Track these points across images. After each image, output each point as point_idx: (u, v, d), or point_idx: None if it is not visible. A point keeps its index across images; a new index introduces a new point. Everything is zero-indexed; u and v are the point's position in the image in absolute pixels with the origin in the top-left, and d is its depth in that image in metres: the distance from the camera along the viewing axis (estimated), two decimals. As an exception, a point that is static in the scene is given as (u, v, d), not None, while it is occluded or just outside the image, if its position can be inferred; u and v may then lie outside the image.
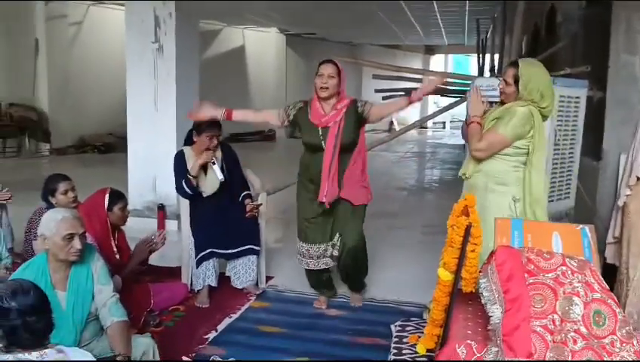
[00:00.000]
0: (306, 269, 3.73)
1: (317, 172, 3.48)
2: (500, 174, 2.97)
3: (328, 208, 3.49)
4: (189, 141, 3.95)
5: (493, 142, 2.93)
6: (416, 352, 3.01)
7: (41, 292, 1.85)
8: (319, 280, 3.78)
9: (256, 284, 3.98)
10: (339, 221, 3.57)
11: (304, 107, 3.56)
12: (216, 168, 3.78)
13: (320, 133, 3.46)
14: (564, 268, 2.07)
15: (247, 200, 3.93)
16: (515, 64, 3.01)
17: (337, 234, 3.59)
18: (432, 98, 20.25)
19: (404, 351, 3.08)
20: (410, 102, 3.43)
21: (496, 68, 10.05)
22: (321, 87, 3.44)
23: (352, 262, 3.63)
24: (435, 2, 9.98)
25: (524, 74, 2.92)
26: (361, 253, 3.66)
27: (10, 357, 1.68)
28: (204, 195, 3.87)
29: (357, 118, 3.49)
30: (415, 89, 3.64)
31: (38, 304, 1.79)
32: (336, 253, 3.60)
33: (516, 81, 2.94)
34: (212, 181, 3.85)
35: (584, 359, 1.90)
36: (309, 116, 3.51)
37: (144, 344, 2.61)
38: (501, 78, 3.05)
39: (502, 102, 3.05)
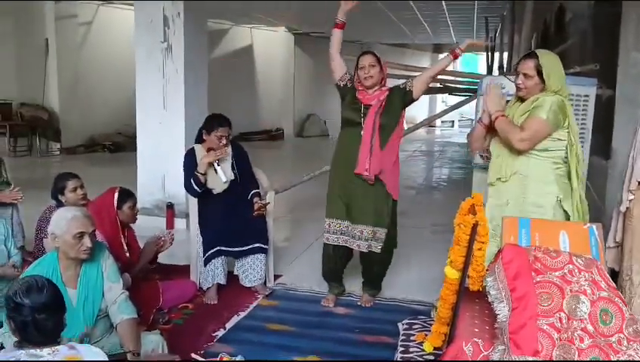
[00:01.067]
0: (324, 253, 3.73)
1: (354, 149, 3.50)
2: (540, 174, 2.80)
3: (365, 186, 3.49)
4: (199, 139, 3.97)
5: (537, 130, 2.74)
6: (423, 350, 3.02)
7: (54, 292, 1.85)
8: (333, 268, 3.75)
9: (265, 283, 3.99)
10: (380, 208, 3.55)
11: (354, 86, 3.61)
12: (220, 170, 3.80)
13: (362, 110, 3.52)
14: (571, 266, 2.07)
15: (256, 199, 3.95)
16: (532, 55, 2.87)
17: (377, 226, 3.56)
18: (440, 96, 20.22)
19: (411, 349, 3.09)
20: (455, 57, 3.64)
21: (505, 66, 10.01)
22: (365, 78, 3.51)
23: (376, 256, 3.63)
24: (443, 2, 9.96)
25: (546, 64, 2.80)
26: (386, 257, 3.68)
27: (22, 352, 1.71)
28: (214, 193, 3.89)
29: (401, 98, 3.55)
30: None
31: (50, 302, 1.80)
32: (365, 243, 3.58)
33: (538, 73, 2.81)
34: (222, 179, 3.87)
35: (591, 357, 1.91)
36: (357, 93, 3.58)
37: (154, 341, 2.65)
38: (520, 72, 2.86)
39: (520, 99, 2.92)
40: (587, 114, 4.17)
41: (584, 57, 5.51)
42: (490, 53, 10.78)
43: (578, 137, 2.92)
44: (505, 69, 9.68)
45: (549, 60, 2.85)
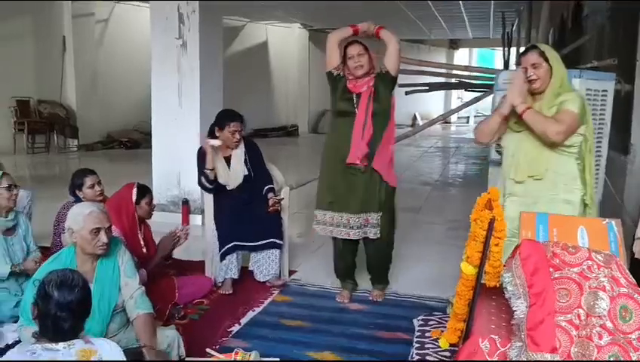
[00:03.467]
0: (335, 250, 3.73)
1: (347, 138, 3.50)
2: (570, 169, 2.77)
3: (359, 175, 3.49)
4: (211, 135, 3.98)
5: (571, 124, 2.67)
6: (438, 346, 3.01)
7: (84, 295, 1.82)
8: (345, 263, 3.75)
9: (279, 278, 4.00)
10: (374, 196, 3.54)
11: (345, 77, 3.61)
12: (215, 141, 3.83)
13: (354, 100, 3.52)
14: (589, 262, 2.04)
15: (270, 195, 3.96)
16: (532, 48, 2.84)
17: (374, 212, 3.55)
18: (456, 92, 20.09)
19: (426, 346, 3.07)
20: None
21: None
22: (355, 67, 3.51)
23: (377, 246, 3.63)
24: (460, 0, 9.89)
25: (547, 50, 2.79)
26: (386, 243, 3.66)
27: (38, 346, 1.72)
28: (228, 188, 3.91)
29: (383, 81, 3.54)
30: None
31: (76, 304, 1.78)
32: (360, 231, 3.57)
33: (545, 61, 2.76)
34: (235, 175, 3.89)
35: (610, 355, 1.88)
36: (347, 83, 3.58)
37: (170, 336, 2.66)
38: (526, 66, 2.78)
39: (531, 93, 2.83)
40: (605, 109, 4.12)
41: (602, 52, 5.44)
42: (506, 49, 10.67)
43: (593, 132, 2.88)
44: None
45: (548, 48, 2.84)
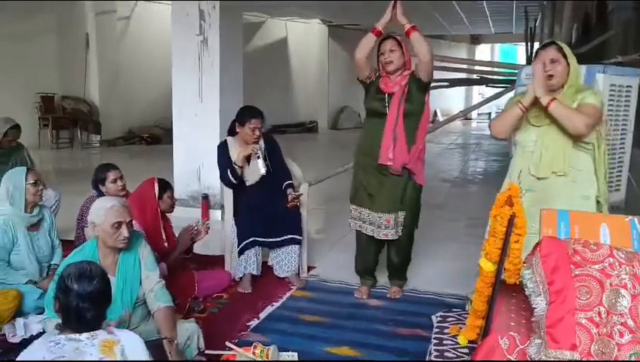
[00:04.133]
0: (358, 246, 3.75)
1: (378, 138, 3.49)
2: (588, 165, 2.78)
3: (391, 175, 3.48)
4: (231, 131, 4.01)
5: (596, 117, 2.67)
6: (457, 343, 2.99)
7: (103, 284, 1.85)
8: (367, 259, 3.76)
9: (298, 274, 4.01)
10: (403, 197, 3.53)
11: (379, 76, 3.60)
12: (260, 162, 3.82)
13: (385, 100, 3.50)
14: (611, 259, 2.01)
15: (289, 191, 3.97)
16: (550, 44, 2.84)
17: (397, 213, 3.54)
18: (476, 88, 19.91)
19: (445, 342, 3.06)
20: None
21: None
22: (386, 63, 3.49)
23: (396, 245, 3.63)
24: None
25: (565, 47, 2.79)
26: (407, 240, 3.66)
27: (62, 337, 1.75)
28: (248, 184, 3.93)
29: (415, 84, 3.48)
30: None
31: (96, 294, 1.81)
32: (392, 231, 3.56)
33: (563, 57, 2.77)
34: (255, 170, 3.91)
35: (631, 353, 1.85)
36: (379, 84, 3.56)
37: (189, 329, 2.69)
38: (544, 61, 2.76)
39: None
40: (630, 105, 4.05)
41: (627, 47, 5.35)
42: (529, 44, 10.55)
43: (607, 129, 2.91)
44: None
45: (564, 45, 2.84)
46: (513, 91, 4.04)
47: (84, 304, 1.78)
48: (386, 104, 3.49)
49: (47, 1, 10.07)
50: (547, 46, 2.84)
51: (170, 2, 6.02)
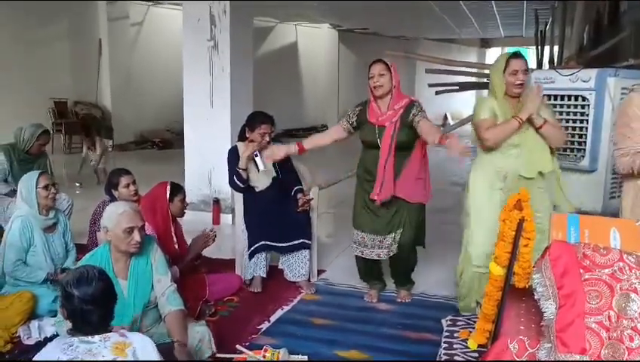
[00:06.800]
0: (356, 257, 3.76)
1: (373, 169, 3.52)
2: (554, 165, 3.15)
3: (380, 206, 3.51)
4: (242, 137, 4.04)
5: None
6: (467, 347, 2.99)
7: (104, 284, 1.89)
8: (368, 271, 3.79)
9: (309, 279, 4.02)
10: (396, 217, 3.57)
11: (363, 108, 3.61)
12: (259, 160, 3.87)
13: (377, 132, 3.50)
14: (621, 263, 2.01)
15: (300, 195, 3.99)
16: (521, 55, 3.13)
17: (394, 232, 3.58)
18: (486, 92, 19.80)
19: (454, 346, 3.06)
20: (440, 142, 3.17)
21: (555, 60, 9.72)
22: (375, 87, 3.49)
23: (397, 257, 3.64)
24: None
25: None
26: (409, 250, 3.66)
27: (75, 339, 1.78)
28: (257, 190, 3.96)
29: (409, 124, 3.48)
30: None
31: (98, 294, 1.85)
32: (393, 250, 3.60)
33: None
34: (265, 176, 3.93)
35: (641, 357, 1.85)
36: (367, 116, 3.56)
37: (200, 331, 2.72)
38: (519, 70, 3.07)
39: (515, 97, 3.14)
40: (642, 108, 4.02)
41: None
42: (540, 47, 10.49)
43: None
44: (555, 63, 9.41)
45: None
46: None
47: (89, 306, 1.82)
48: (378, 136, 3.49)
49: (60, 7, 10.17)
50: (519, 57, 3.11)
51: (181, 7, 6.07)
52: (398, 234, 3.58)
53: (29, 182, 3.41)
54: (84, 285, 1.84)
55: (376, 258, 3.65)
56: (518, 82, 3.05)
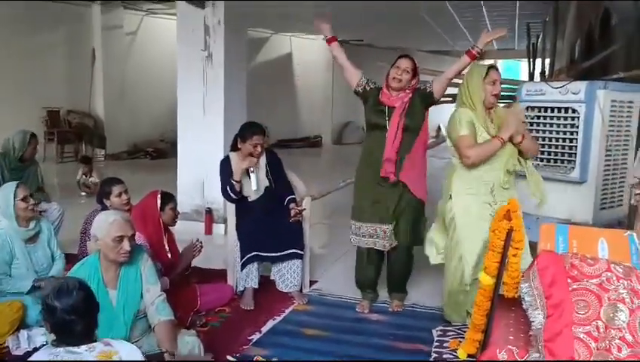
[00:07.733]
0: (356, 258, 3.76)
1: (379, 152, 3.53)
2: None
3: (388, 186, 3.53)
4: (234, 147, 4.04)
5: None
6: (457, 357, 2.99)
7: (85, 294, 1.86)
8: (365, 273, 3.77)
9: (301, 290, 4.01)
10: (398, 207, 3.57)
11: (378, 88, 3.67)
12: (253, 177, 3.87)
13: (386, 113, 3.54)
14: (609, 274, 2.02)
15: (292, 205, 3.99)
16: (496, 67, 3.29)
17: (392, 223, 3.58)
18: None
19: (444, 356, 3.06)
20: (472, 58, 3.57)
21: (546, 72, 9.80)
22: (394, 78, 3.53)
23: (396, 259, 3.65)
24: (484, 7, 9.85)
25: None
26: (408, 250, 3.67)
27: (61, 349, 1.77)
28: (250, 200, 3.96)
29: (422, 100, 3.58)
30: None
31: (79, 305, 1.82)
32: (388, 242, 3.60)
33: None
34: (257, 186, 3.93)
35: (628, 367, 1.86)
36: (379, 96, 3.61)
37: (190, 342, 2.70)
38: (496, 81, 3.22)
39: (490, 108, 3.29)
40: (631, 120, 4.07)
41: (631, 62, 5.35)
42: (531, 59, 10.58)
43: None
44: (546, 75, 9.48)
45: None
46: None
47: (71, 317, 1.79)
48: (386, 117, 3.53)
49: (54, 16, 10.20)
50: (497, 69, 3.25)
51: (175, 17, 6.09)
52: (399, 224, 3.58)
53: (6, 194, 3.34)
54: (65, 296, 1.81)
55: (372, 246, 3.63)
56: (496, 92, 3.17)
